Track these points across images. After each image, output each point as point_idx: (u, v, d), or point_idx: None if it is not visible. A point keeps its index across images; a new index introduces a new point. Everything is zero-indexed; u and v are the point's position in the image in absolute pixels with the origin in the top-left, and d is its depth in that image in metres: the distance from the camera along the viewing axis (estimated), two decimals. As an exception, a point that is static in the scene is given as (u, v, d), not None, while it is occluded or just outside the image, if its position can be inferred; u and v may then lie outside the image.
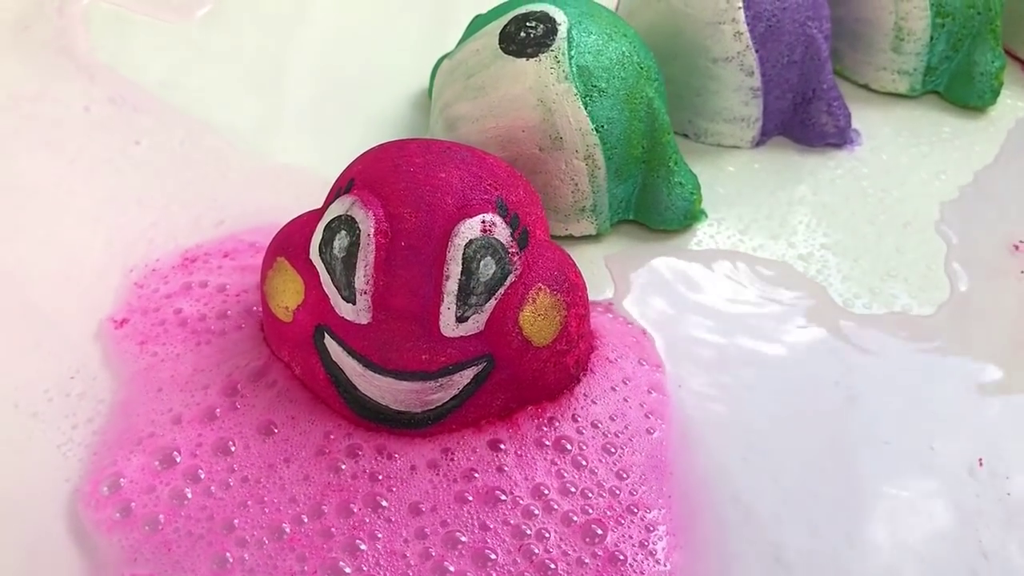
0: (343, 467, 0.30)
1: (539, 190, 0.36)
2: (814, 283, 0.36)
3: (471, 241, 0.29)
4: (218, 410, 0.31)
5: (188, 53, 0.44)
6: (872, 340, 0.34)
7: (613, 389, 0.32)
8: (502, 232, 0.29)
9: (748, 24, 0.38)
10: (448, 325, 0.29)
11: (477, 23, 0.39)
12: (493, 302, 0.29)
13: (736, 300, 0.35)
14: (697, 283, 0.36)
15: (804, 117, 0.40)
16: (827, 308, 0.35)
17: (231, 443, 0.30)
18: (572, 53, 0.35)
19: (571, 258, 0.32)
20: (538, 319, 0.30)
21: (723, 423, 0.32)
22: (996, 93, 0.42)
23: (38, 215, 0.37)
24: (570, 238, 0.37)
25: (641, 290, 0.36)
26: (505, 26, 0.36)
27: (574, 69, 0.34)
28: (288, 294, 0.30)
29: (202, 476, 0.29)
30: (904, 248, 0.37)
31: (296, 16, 0.45)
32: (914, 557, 0.29)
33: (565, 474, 0.30)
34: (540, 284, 0.30)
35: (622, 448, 0.31)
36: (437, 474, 0.30)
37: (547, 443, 0.31)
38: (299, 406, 0.31)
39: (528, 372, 0.30)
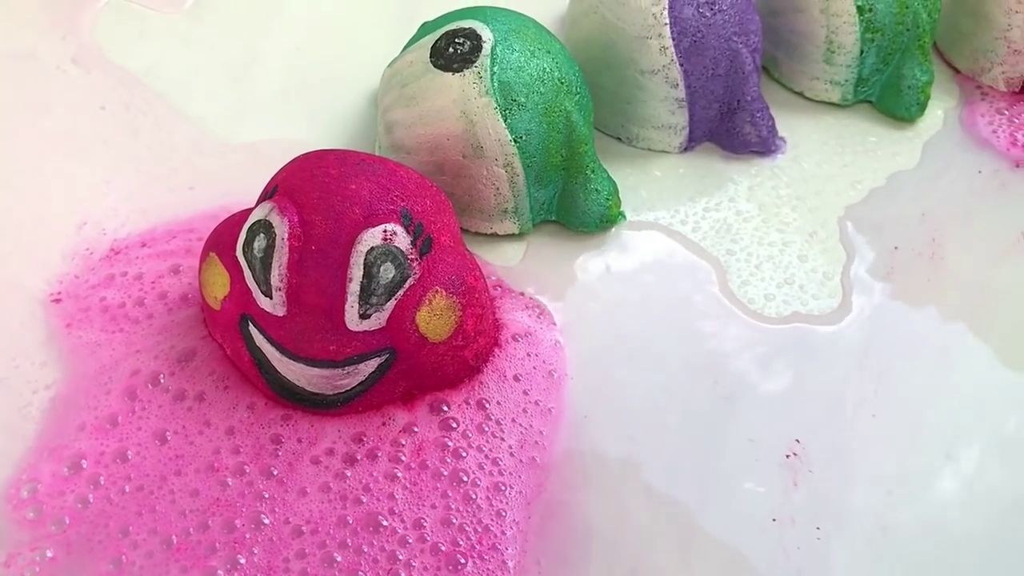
0: (230, 483, 0.33)
1: (465, 193, 0.39)
2: (715, 287, 0.39)
3: (372, 248, 0.32)
4: (120, 417, 0.34)
5: (173, 41, 0.47)
6: (755, 344, 0.37)
7: (516, 379, 0.36)
8: (403, 240, 0.33)
9: (674, 39, 0.40)
10: (352, 321, 0.33)
11: (424, 30, 0.42)
12: (393, 302, 0.33)
13: (642, 300, 0.38)
14: (609, 282, 0.39)
15: (729, 126, 0.43)
16: (721, 311, 0.38)
17: (128, 451, 0.33)
18: (494, 69, 0.37)
19: (475, 263, 0.36)
20: (434, 318, 0.33)
21: (610, 414, 0.35)
22: (923, 106, 0.44)
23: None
24: (495, 236, 0.40)
25: (556, 286, 0.39)
26: (436, 41, 0.39)
27: (495, 84, 0.37)
28: (217, 286, 0.34)
29: (102, 482, 0.33)
30: (806, 257, 0.40)
31: (275, 11, 0.49)
32: (758, 549, 0.32)
33: (449, 461, 0.34)
34: (437, 287, 0.33)
35: (504, 434, 0.34)
36: (324, 498, 0.33)
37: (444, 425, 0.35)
38: (193, 415, 0.34)
39: (427, 364, 0.34)
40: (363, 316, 0.33)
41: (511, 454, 0.34)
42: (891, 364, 0.37)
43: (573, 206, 0.40)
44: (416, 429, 0.34)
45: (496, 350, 0.36)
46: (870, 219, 0.41)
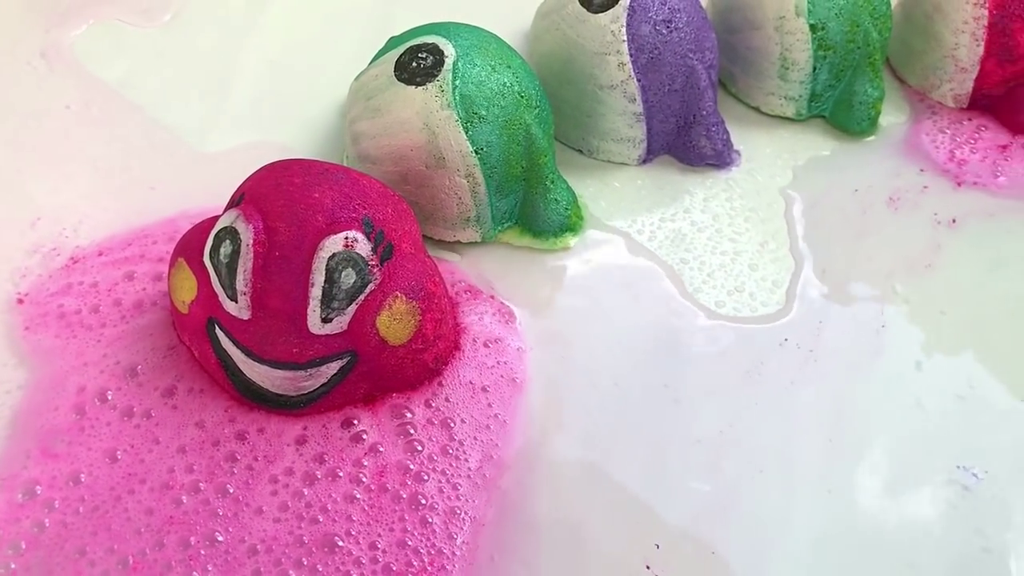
0: (184, 501, 0.34)
1: (428, 202, 0.40)
2: (668, 294, 0.40)
3: (334, 254, 0.33)
4: (69, 437, 0.35)
5: (149, 53, 0.49)
6: (705, 348, 0.38)
7: (471, 383, 0.37)
8: (363, 247, 0.34)
9: (631, 55, 0.42)
10: (315, 324, 0.34)
11: (391, 44, 0.43)
12: (354, 307, 0.34)
13: (600, 307, 0.40)
14: (570, 288, 0.41)
15: (686, 140, 0.44)
16: (672, 318, 0.39)
17: (81, 474, 0.34)
18: (456, 83, 0.39)
19: (436, 269, 0.37)
20: (394, 323, 0.35)
21: (566, 419, 0.37)
22: (874, 121, 0.46)
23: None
24: (459, 243, 0.41)
25: (517, 292, 0.40)
26: (401, 55, 0.40)
27: (457, 98, 0.39)
28: (185, 290, 0.36)
29: (57, 506, 0.33)
30: (757, 266, 0.41)
31: (248, 26, 0.50)
32: (711, 548, 0.34)
33: (411, 458, 0.35)
34: (397, 292, 0.35)
35: (467, 454, 0.35)
36: (281, 517, 0.34)
37: (401, 430, 0.36)
38: (141, 432, 0.35)
39: (387, 367, 0.35)
40: (325, 320, 0.34)
41: (469, 476, 0.35)
42: (834, 368, 0.38)
43: (534, 215, 0.42)
44: (382, 449, 0.35)
45: (465, 359, 0.38)
46: (819, 230, 0.43)
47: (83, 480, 0.34)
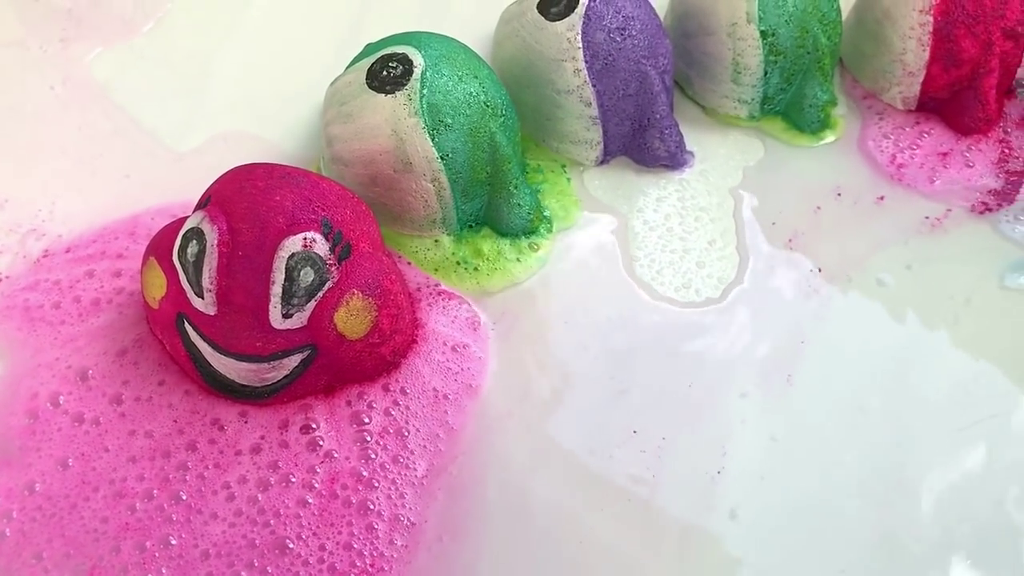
0: (138, 507, 0.35)
1: (396, 204, 0.42)
2: (621, 290, 0.42)
3: (293, 254, 0.36)
4: (22, 443, 0.36)
5: (131, 57, 0.51)
6: (648, 342, 0.41)
7: (435, 389, 0.39)
8: (322, 247, 0.36)
9: (586, 62, 0.44)
10: (276, 319, 0.36)
11: (367, 50, 0.45)
12: (313, 303, 0.36)
13: (554, 305, 0.42)
14: (527, 284, 0.43)
15: (641, 142, 0.46)
16: (624, 312, 0.42)
17: (36, 483, 0.36)
18: (424, 92, 0.41)
19: (394, 267, 0.39)
20: (351, 318, 0.37)
21: (515, 415, 0.39)
22: (823, 123, 0.48)
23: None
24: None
25: (486, 289, 0.42)
26: (372, 64, 0.42)
27: (424, 106, 0.41)
28: (155, 287, 0.38)
29: (15, 516, 0.35)
30: (704, 263, 0.43)
31: (227, 32, 0.52)
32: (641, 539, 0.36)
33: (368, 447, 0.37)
34: (354, 290, 0.37)
35: (415, 463, 0.37)
36: (235, 521, 0.35)
37: (355, 419, 0.38)
38: (91, 440, 0.37)
39: (345, 359, 0.38)
40: (286, 315, 0.36)
41: (415, 484, 0.37)
42: (772, 364, 0.40)
43: (498, 218, 0.44)
44: (336, 456, 0.37)
45: (432, 363, 0.40)
46: (766, 229, 0.45)
47: (38, 489, 0.35)
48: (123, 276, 0.41)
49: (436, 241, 0.43)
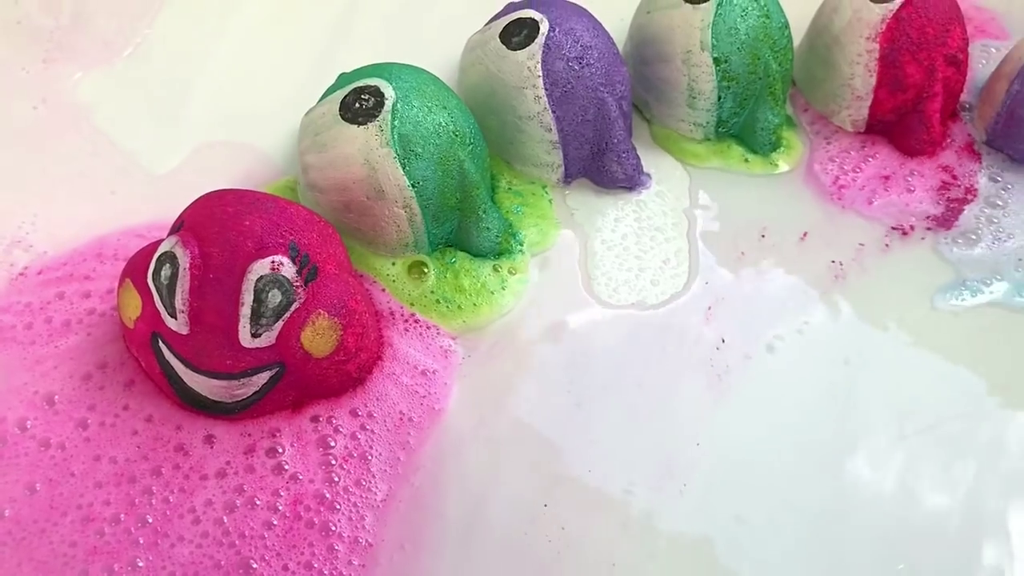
0: (106, 531, 0.37)
1: (370, 229, 0.44)
2: (578, 308, 0.44)
3: (261, 277, 0.37)
4: None
5: (110, 83, 0.52)
6: (602, 357, 0.43)
7: (401, 413, 0.41)
8: (289, 270, 0.38)
9: (546, 89, 0.46)
10: (245, 339, 0.38)
11: (341, 80, 0.47)
12: (280, 323, 0.38)
13: (519, 324, 0.44)
14: (499, 303, 0.45)
15: (599, 165, 0.48)
16: (580, 326, 0.44)
17: (5, 509, 0.37)
18: (395, 123, 0.43)
19: (359, 288, 0.41)
20: (316, 337, 0.39)
21: (482, 432, 0.41)
22: (775, 145, 0.50)
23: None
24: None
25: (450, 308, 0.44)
26: (346, 96, 0.44)
27: (395, 136, 0.42)
28: (131, 308, 0.39)
29: None
30: (658, 281, 0.45)
31: (203, 60, 0.54)
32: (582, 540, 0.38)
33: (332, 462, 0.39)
34: (320, 310, 0.39)
35: (376, 487, 0.39)
36: (202, 542, 0.37)
37: (321, 443, 0.40)
38: (57, 464, 0.38)
39: (312, 376, 0.40)
40: (254, 335, 0.38)
41: (374, 507, 0.38)
42: (723, 379, 0.42)
43: (468, 241, 0.46)
44: (301, 478, 0.39)
45: (401, 386, 0.41)
46: (718, 249, 0.47)
47: (7, 515, 0.37)
48: (92, 297, 0.42)
49: (421, 276, 0.45)
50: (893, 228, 0.48)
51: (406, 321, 0.43)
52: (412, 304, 0.44)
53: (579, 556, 0.38)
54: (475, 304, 0.44)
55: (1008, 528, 0.39)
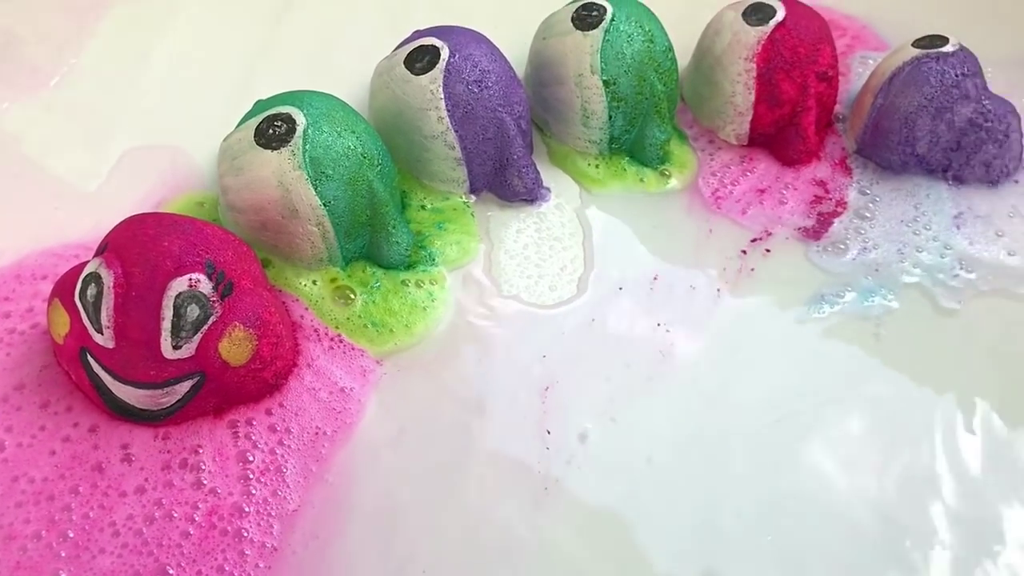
0: (28, 547, 0.39)
1: (286, 246, 0.47)
2: (487, 317, 0.48)
3: (180, 293, 0.41)
4: None
5: (37, 110, 0.55)
6: (504, 364, 0.46)
7: (318, 428, 0.44)
8: (205, 286, 0.41)
9: (448, 110, 0.50)
10: (167, 351, 0.41)
11: (258, 107, 0.50)
12: (199, 335, 0.41)
13: (427, 341, 0.47)
14: (432, 316, 0.48)
15: (502, 180, 0.52)
16: (487, 334, 0.47)
17: None
18: (306, 148, 0.46)
19: (274, 301, 0.44)
20: (233, 347, 0.42)
21: (394, 444, 0.44)
22: (663, 159, 0.54)
23: None
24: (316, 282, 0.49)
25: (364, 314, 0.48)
26: (260, 123, 0.47)
27: (307, 160, 0.46)
28: (60, 325, 0.42)
29: None
30: (555, 287, 0.49)
31: (128, 88, 0.56)
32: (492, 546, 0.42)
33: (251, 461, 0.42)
34: (236, 322, 0.42)
35: (290, 497, 0.42)
36: (123, 552, 0.39)
37: (241, 458, 0.43)
38: None
39: (231, 384, 0.43)
40: (175, 347, 0.41)
41: (283, 516, 0.41)
42: (606, 379, 0.46)
43: (379, 254, 0.49)
44: (219, 492, 0.41)
45: (319, 402, 0.44)
46: (609, 256, 0.51)
47: None
48: (12, 317, 0.45)
49: (347, 301, 0.48)
50: (754, 240, 0.52)
51: (331, 340, 0.46)
52: (338, 327, 0.47)
53: (488, 538, 0.41)
54: (407, 324, 0.47)
55: (850, 497, 0.43)
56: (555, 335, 0.48)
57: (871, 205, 0.53)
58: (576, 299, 0.49)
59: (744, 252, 0.51)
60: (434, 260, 0.50)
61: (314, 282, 0.48)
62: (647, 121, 0.54)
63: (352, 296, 0.48)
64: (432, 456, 0.44)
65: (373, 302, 0.48)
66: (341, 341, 0.46)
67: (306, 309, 0.47)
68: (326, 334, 0.46)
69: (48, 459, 0.42)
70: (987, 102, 0.53)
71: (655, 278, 0.50)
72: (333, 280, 0.48)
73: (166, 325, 0.41)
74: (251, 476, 0.42)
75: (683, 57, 0.56)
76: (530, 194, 0.52)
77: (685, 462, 0.44)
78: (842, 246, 0.52)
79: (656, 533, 0.42)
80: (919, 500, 0.43)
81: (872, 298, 0.50)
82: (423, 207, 0.52)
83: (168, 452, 0.42)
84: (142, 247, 0.41)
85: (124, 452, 0.42)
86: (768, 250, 0.52)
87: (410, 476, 0.43)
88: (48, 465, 0.41)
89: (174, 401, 0.42)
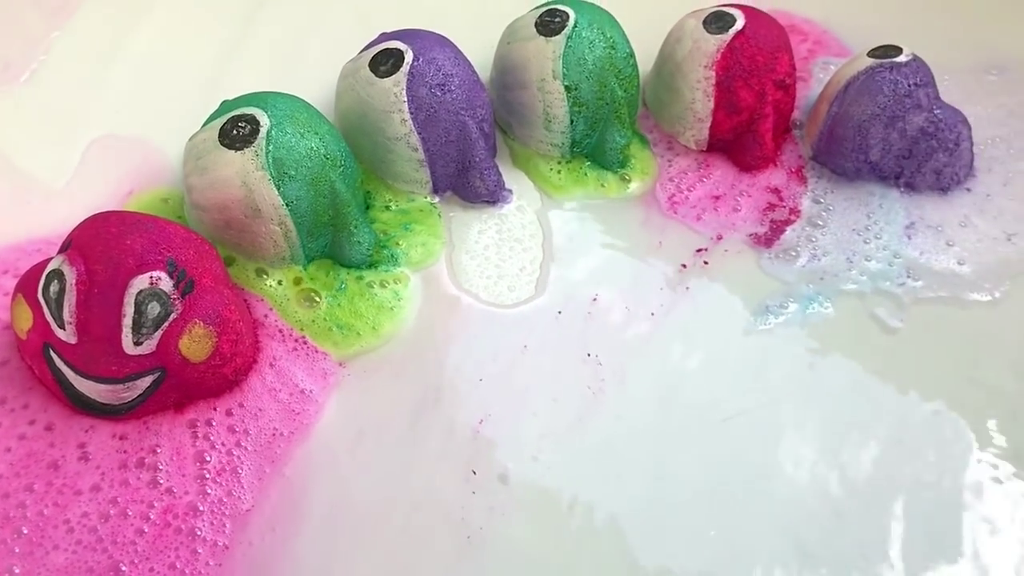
0: None
1: (249, 244, 0.48)
2: (446, 317, 0.49)
3: (141, 291, 0.42)
4: None
5: (6, 107, 0.56)
6: (469, 362, 0.47)
7: (275, 429, 0.45)
8: (166, 284, 0.42)
9: (411, 113, 0.51)
10: (128, 347, 0.42)
11: (224, 107, 0.50)
12: (160, 332, 0.42)
13: (391, 340, 0.48)
14: (399, 316, 0.49)
15: (464, 181, 0.53)
16: (447, 333, 0.48)
17: None
18: (269, 148, 0.47)
19: (234, 299, 0.45)
20: (193, 344, 0.43)
21: (353, 447, 0.45)
22: (623, 163, 0.55)
23: None
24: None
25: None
26: (224, 123, 0.48)
27: (269, 160, 0.47)
28: (23, 320, 0.43)
29: None
30: (514, 287, 0.50)
31: (97, 86, 0.57)
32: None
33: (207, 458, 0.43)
34: (196, 319, 0.43)
35: (244, 497, 0.43)
36: (76, 549, 0.40)
37: (198, 458, 0.44)
38: None
39: (191, 379, 0.44)
40: (136, 343, 0.42)
41: (236, 516, 0.42)
42: (557, 383, 0.48)
43: (341, 253, 0.50)
44: (175, 491, 0.42)
45: (279, 404, 0.45)
46: (567, 258, 0.52)
47: None
48: (-23, 317, 0.46)
49: (312, 303, 0.49)
50: (700, 250, 0.53)
51: (296, 341, 0.47)
52: (303, 329, 0.48)
53: (439, 535, 0.42)
54: (374, 327, 0.48)
55: (799, 485, 0.45)
56: (517, 333, 0.49)
57: (824, 213, 0.54)
58: (535, 299, 0.50)
59: (694, 259, 0.52)
60: (397, 260, 0.51)
61: (279, 282, 0.49)
62: (608, 126, 0.55)
63: (317, 299, 0.49)
64: (388, 459, 0.45)
65: (339, 305, 0.49)
66: (305, 343, 0.47)
67: (270, 309, 0.48)
68: (291, 335, 0.47)
69: (3, 456, 0.42)
70: (938, 111, 0.54)
71: (600, 281, 0.51)
72: (298, 282, 0.49)
73: (127, 322, 0.41)
74: (207, 476, 0.43)
75: (646, 63, 0.57)
76: (492, 196, 0.53)
77: (627, 463, 0.45)
78: (793, 253, 0.53)
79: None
80: (865, 496, 0.44)
81: (811, 306, 0.51)
82: (388, 207, 0.53)
83: (125, 452, 0.43)
84: (105, 245, 0.42)
85: (81, 451, 0.43)
86: (711, 262, 0.52)
87: (365, 477, 0.44)
88: (3, 462, 0.42)
89: (135, 396, 0.43)
